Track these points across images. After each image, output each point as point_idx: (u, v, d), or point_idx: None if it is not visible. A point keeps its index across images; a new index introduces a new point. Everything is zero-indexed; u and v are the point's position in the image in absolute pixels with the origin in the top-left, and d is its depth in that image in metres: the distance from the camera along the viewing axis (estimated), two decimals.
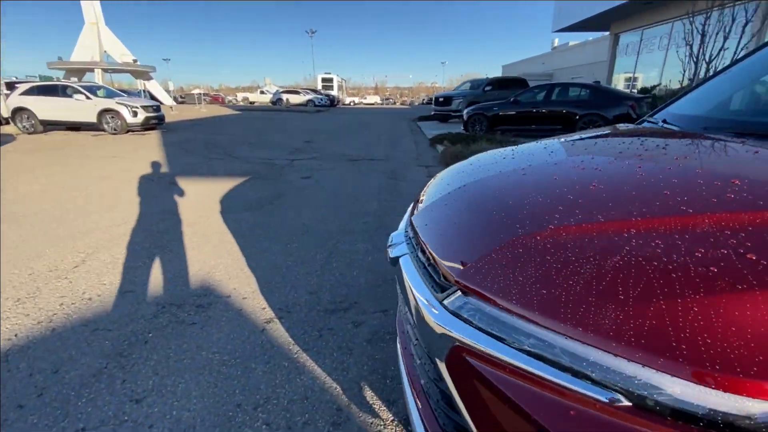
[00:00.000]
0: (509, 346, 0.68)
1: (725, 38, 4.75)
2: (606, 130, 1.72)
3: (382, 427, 1.57)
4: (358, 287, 2.68)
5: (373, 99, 71.75)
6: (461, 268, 0.83)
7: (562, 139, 1.63)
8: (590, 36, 24.18)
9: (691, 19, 5.14)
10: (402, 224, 1.40)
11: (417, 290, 0.95)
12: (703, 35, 5.06)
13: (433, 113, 16.94)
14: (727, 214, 0.70)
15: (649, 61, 15.52)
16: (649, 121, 1.81)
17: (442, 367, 0.81)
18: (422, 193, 1.48)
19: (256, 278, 2.80)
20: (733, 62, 1.78)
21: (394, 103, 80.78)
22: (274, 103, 36.24)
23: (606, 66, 18.37)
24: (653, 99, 9.76)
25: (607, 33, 18.15)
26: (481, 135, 9.42)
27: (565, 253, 0.72)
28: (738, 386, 0.47)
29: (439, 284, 0.91)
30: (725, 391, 0.47)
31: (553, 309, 0.64)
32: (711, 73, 4.69)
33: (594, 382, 0.57)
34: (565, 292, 0.65)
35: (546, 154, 1.39)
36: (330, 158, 7.90)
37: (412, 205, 1.50)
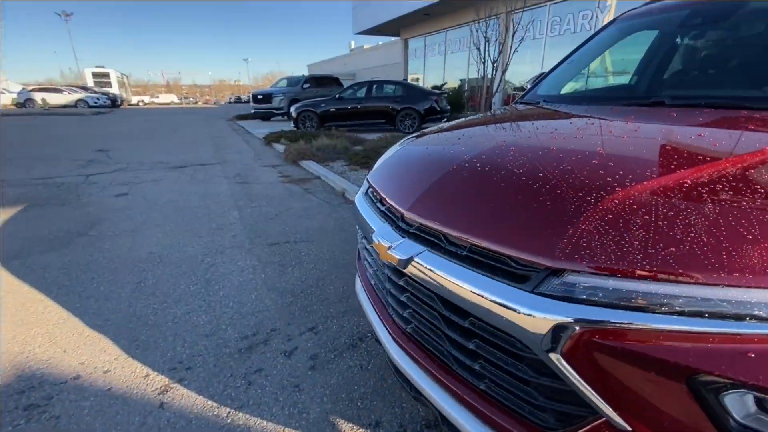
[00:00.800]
0: (655, 312, 0.65)
1: (501, 43, 6.24)
2: (513, 111, 1.92)
3: None
4: (266, 311, 2.26)
5: (169, 98, 62.11)
6: (553, 249, 0.75)
7: (489, 120, 1.73)
8: (380, 40, 27.24)
9: (478, 26, 6.45)
10: (373, 219, 1.21)
11: (488, 292, 0.82)
12: (487, 41, 6.46)
13: (253, 111, 15.88)
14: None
15: (433, 64, 18.70)
16: (524, 102, 2.13)
17: (555, 360, 0.73)
18: (388, 180, 1.31)
19: (110, 339, 2.00)
20: (567, 55, 2.27)
21: (196, 102, 72.02)
22: (21, 104, 26.76)
23: (401, 67, 21.16)
24: (449, 94, 11.84)
25: (399, 38, 20.87)
26: (317, 132, 9.40)
27: (653, 210, 0.74)
28: None
29: (519, 276, 0.81)
30: None
31: (692, 263, 0.64)
32: (496, 70, 6.10)
33: (761, 319, 0.60)
34: (688, 243, 0.67)
35: (494, 132, 1.44)
36: (144, 168, 6.38)
37: (379, 194, 1.32)
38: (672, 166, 0.85)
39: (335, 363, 1.82)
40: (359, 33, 20.15)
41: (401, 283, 1.11)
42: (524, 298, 0.76)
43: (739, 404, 0.63)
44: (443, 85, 16.37)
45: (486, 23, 6.55)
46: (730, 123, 1.14)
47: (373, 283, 1.44)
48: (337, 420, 1.51)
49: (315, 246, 3.15)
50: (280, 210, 4.13)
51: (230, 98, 69.54)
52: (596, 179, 0.86)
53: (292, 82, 16.08)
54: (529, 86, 2.49)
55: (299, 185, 5.25)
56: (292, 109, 10.89)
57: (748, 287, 0.61)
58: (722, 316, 0.62)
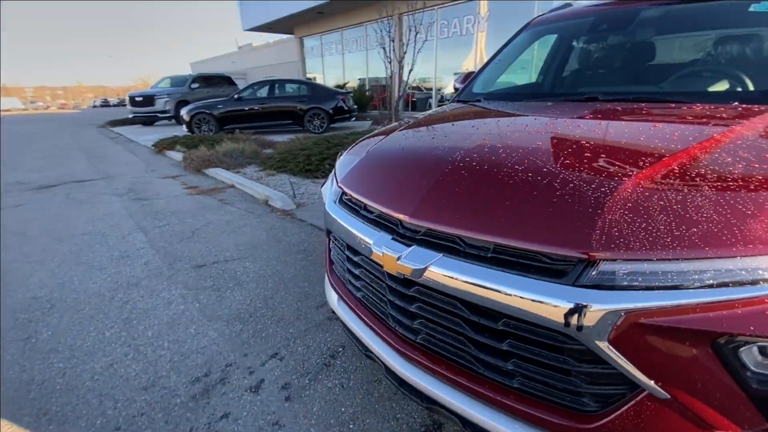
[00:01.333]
0: (688, 288, 0.72)
1: (405, 43, 6.47)
2: (452, 108, 1.97)
3: None
4: (213, 345, 1.97)
5: (9, 103, 50.49)
6: (589, 241, 0.78)
7: (450, 117, 1.75)
8: (271, 37, 26.06)
9: (381, 26, 6.57)
10: (363, 230, 1.14)
11: (526, 291, 0.82)
12: (392, 40, 6.63)
13: (132, 116, 13.78)
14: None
15: (332, 63, 18.59)
16: (461, 100, 2.22)
17: (604, 347, 0.76)
18: (372, 188, 1.23)
19: (7, 420, 1.53)
20: (492, 57, 2.44)
21: (47, 107, 59.90)
22: None
23: (297, 65, 20.56)
24: (354, 93, 11.89)
25: (293, 36, 20.21)
26: (217, 136, 8.58)
27: (666, 195, 0.82)
28: None
29: (555, 271, 0.82)
30: None
31: (712, 240, 0.73)
32: (404, 69, 6.31)
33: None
34: (704, 222, 0.75)
35: (472, 129, 1.46)
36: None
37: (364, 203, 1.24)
38: (663, 154, 0.96)
39: (312, 388, 1.67)
40: (249, 30, 18.93)
41: (411, 292, 1.06)
42: (567, 293, 0.78)
43: (751, 356, 0.73)
44: (345, 84, 16.40)
45: (389, 23, 6.72)
46: (680, 115, 1.33)
47: (360, 295, 1.35)
48: None
49: (251, 262, 2.87)
50: (196, 226, 3.66)
51: (95, 102, 59.30)
52: (608, 170, 0.92)
53: (177, 81, 14.39)
54: (457, 86, 2.61)
55: (212, 196, 4.73)
56: (184, 111, 9.75)
57: (760, 255, 0.71)
58: (742, 284, 0.71)
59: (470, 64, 12.28)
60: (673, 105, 1.43)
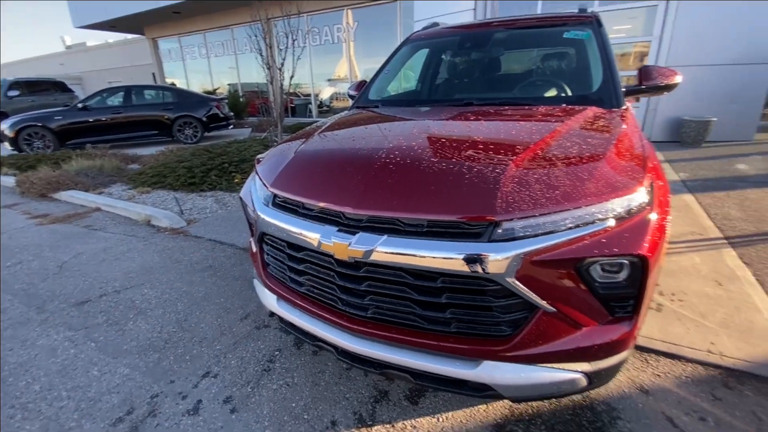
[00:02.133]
0: (559, 231, 1.06)
1: (283, 49, 6.41)
2: (357, 113, 2.18)
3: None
4: (129, 381, 1.78)
5: None
6: (495, 208, 1.06)
7: (360, 121, 1.93)
8: (112, 36, 22.53)
9: (256, 31, 6.37)
10: (323, 230, 1.25)
11: (446, 251, 1.06)
12: (270, 47, 6.50)
13: None
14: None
15: (195, 67, 17.02)
16: (360, 106, 2.45)
17: (512, 282, 1.05)
18: (309, 190, 1.34)
19: None
20: (381, 68, 2.72)
21: None
22: None
23: (151, 69, 18.22)
24: (229, 100, 11.16)
25: (143, 36, 17.80)
26: (61, 153, 7.13)
27: (537, 169, 1.16)
28: None
29: (466, 233, 1.08)
30: None
31: (568, 197, 1.08)
32: (283, 75, 6.24)
33: (603, 219, 1.08)
34: (563, 186, 1.10)
35: (362, 130, 1.67)
36: None
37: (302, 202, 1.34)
38: (529, 142, 1.32)
39: (257, 394, 1.68)
40: (83, 27, 15.96)
41: (361, 273, 1.22)
42: (485, 248, 1.05)
43: (597, 272, 1.11)
44: (216, 90, 15.23)
45: (264, 28, 6.58)
46: (524, 113, 1.77)
47: (305, 290, 1.44)
48: None
49: (150, 289, 2.59)
50: (63, 260, 3.09)
51: None
52: (490, 157, 1.23)
53: None
54: (352, 93, 2.83)
55: (72, 223, 3.99)
56: (5, 125, 7.78)
57: (594, 204, 1.09)
58: (587, 224, 1.07)
59: (342, 71, 12.76)
60: (525, 107, 1.90)
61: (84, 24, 15.74)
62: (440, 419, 1.52)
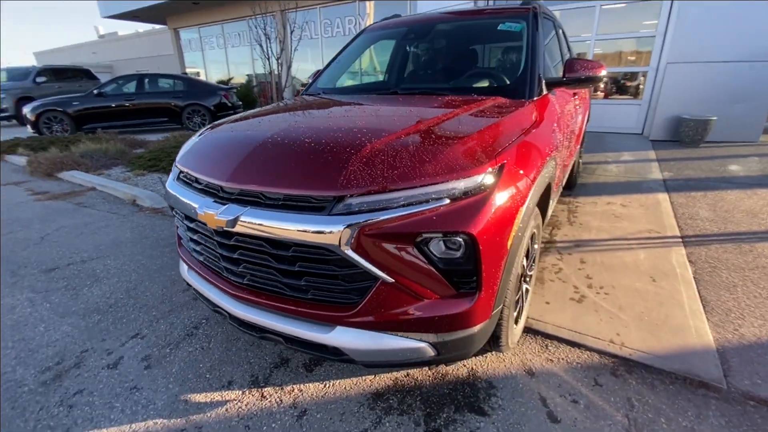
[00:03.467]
0: (391, 208, 1.13)
1: (281, 41, 6.59)
2: (300, 100, 2.28)
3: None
4: (67, 337, 1.97)
5: None
6: (335, 185, 1.15)
7: (277, 109, 2.04)
8: (142, 27, 23.36)
9: (256, 23, 6.56)
10: (194, 198, 1.38)
11: (293, 223, 1.16)
12: (267, 38, 6.66)
13: None
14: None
15: (214, 57, 17.47)
16: (308, 93, 2.55)
17: (348, 252, 1.14)
18: (206, 162, 1.46)
19: None
20: (334, 57, 2.81)
21: None
22: None
23: (174, 59, 18.82)
24: (238, 90, 11.46)
25: (166, 26, 18.39)
26: (74, 136, 7.56)
27: (392, 152, 1.23)
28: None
29: (314, 207, 1.18)
30: None
31: (403, 179, 1.15)
32: (281, 66, 6.44)
33: (435, 199, 1.15)
34: (398, 169, 1.18)
35: (289, 115, 1.78)
36: None
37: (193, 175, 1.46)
38: (403, 125, 1.39)
39: (173, 354, 1.83)
40: (109, 17, 16.64)
41: (232, 242, 1.33)
42: (324, 220, 1.15)
43: (436, 247, 1.18)
44: (230, 80, 15.63)
45: (264, 20, 6.76)
46: (426, 102, 1.84)
47: (202, 258, 1.58)
48: (189, 396, 1.59)
49: (113, 260, 2.80)
50: (46, 232, 3.35)
51: None
52: (350, 140, 1.31)
53: (17, 75, 12.07)
54: (311, 81, 2.93)
55: (66, 201, 4.29)
56: (27, 109, 8.30)
57: (434, 183, 1.16)
58: (420, 202, 1.15)
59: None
60: (438, 96, 1.94)
61: (110, 14, 16.39)
62: (327, 386, 1.63)
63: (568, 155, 2.69)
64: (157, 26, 20.30)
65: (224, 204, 1.30)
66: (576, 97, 2.80)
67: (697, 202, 3.58)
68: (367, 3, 11.97)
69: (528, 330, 1.93)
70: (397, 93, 2.06)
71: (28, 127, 8.43)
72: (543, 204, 1.92)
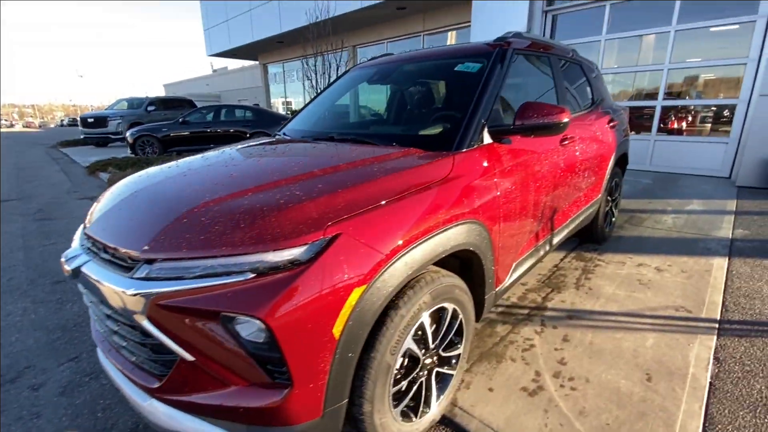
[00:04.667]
0: (188, 278, 1.02)
1: (329, 76, 6.98)
2: (250, 142, 2.32)
3: None
4: (25, 351, 2.16)
5: None
6: (140, 245, 1.09)
7: (216, 151, 2.07)
8: (244, 62, 26.75)
9: (306, 61, 7.06)
10: (76, 240, 1.41)
11: (108, 281, 1.11)
12: (315, 73, 7.11)
13: (83, 137, 13.77)
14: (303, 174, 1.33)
15: (294, 89, 19.17)
16: (277, 134, 2.57)
17: (144, 322, 1.05)
18: (92, 209, 1.52)
19: None
20: (312, 99, 2.81)
21: (11, 125, 58.18)
22: None
23: (262, 91, 21.07)
24: None
25: (257, 62, 20.81)
26: (158, 158, 8.76)
27: (214, 215, 1.14)
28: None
29: (126, 267, 1.12)
30: None
31: (211, 246, 1.04)
32: None
33: (234, 273, 1.01)
34: (218, 234, 1.07)
35: (201, 160, 1.78)
36: None
37: (84, 223, 1.52)
38: (242, 184, 1.29)
39: (88, 385, 1.88)
40: (213, 55, 19.40)
41: (78, 282, 1.33)
42: (125, 282, 1.08)
43: (239, 327, 1.03)
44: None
45: (315, 59, 7.24)
46: (332, 152, 1.70)
47: None
48: None
49: None
50: None
51: (63, 121, 58.06)
52: (189, 196, 1.25)
53: (134, 104, 14.55)
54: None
55: None
56: (128, 133, 9.91)
57: (231, 255, 1.03)
58: (219, 274, 1.02)
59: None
60: (361, 145, 1.76)
61: (213, 53, 19.06)
62: None
63: (558, 212, 2.29)
64: (253, 62, 23.07)
65: (82, 251, 1.32)
66: (576, 139, 2.40)
67: (767, 274, 2.78)
68: (422, 37, 12.16)
69: (447, 422, 1.60)
70: (333, 139, 1.96)
71: (128, 149, 10.02)
72: (478, 272, 1.63)
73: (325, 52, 7.76)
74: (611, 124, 2.96)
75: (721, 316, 2.30)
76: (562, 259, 3.16)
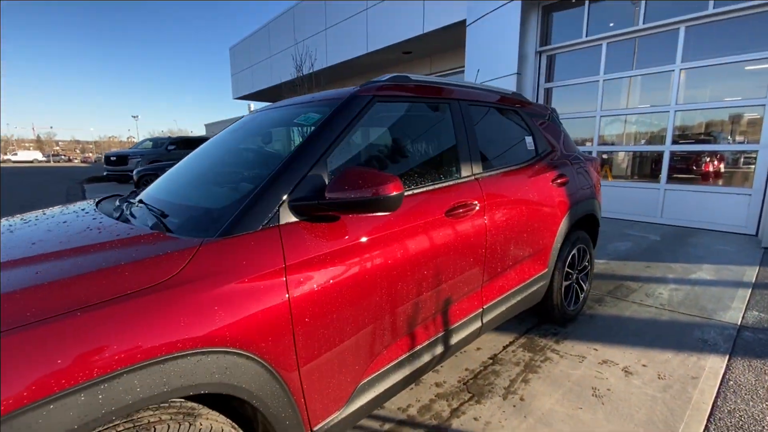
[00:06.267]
0: None
1: None
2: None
3: None
4: None
5: (31, 155, 54.25)
6: None
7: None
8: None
9: None
10: None
11: None
12: None
13: (106, 174, 14.50)
14: None
15: None
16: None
17: None
18: None
19: None
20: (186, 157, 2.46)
21: (69, 160, 63.98)
22: None
23: None
24: None
25: None
26: None
27: None
28: None
29: None
30: None
31: None
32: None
33: None
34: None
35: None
36: None
37: None
38: None
39: None
40: (238, 98, 20.46)
41: None
42: None
43: None
44: None
45: None
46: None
47: None
48: None
49: None
50: None
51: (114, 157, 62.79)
52: None
53: (157, 143, 15.33)
54: None
55: None
56: (135, 171, 10.22)
57: None
58: None
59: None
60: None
61: (237, 96, 20.10)
62: None
63: (453, 302, 1.75)
64: None
65: None
66: (485, 206, 1.88)
67: None
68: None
69: None
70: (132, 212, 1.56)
71: (133, 186, 10.30)
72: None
73: None
74: (558, 180, 2.40)
75: None
76: (506, 347, 2.51)
